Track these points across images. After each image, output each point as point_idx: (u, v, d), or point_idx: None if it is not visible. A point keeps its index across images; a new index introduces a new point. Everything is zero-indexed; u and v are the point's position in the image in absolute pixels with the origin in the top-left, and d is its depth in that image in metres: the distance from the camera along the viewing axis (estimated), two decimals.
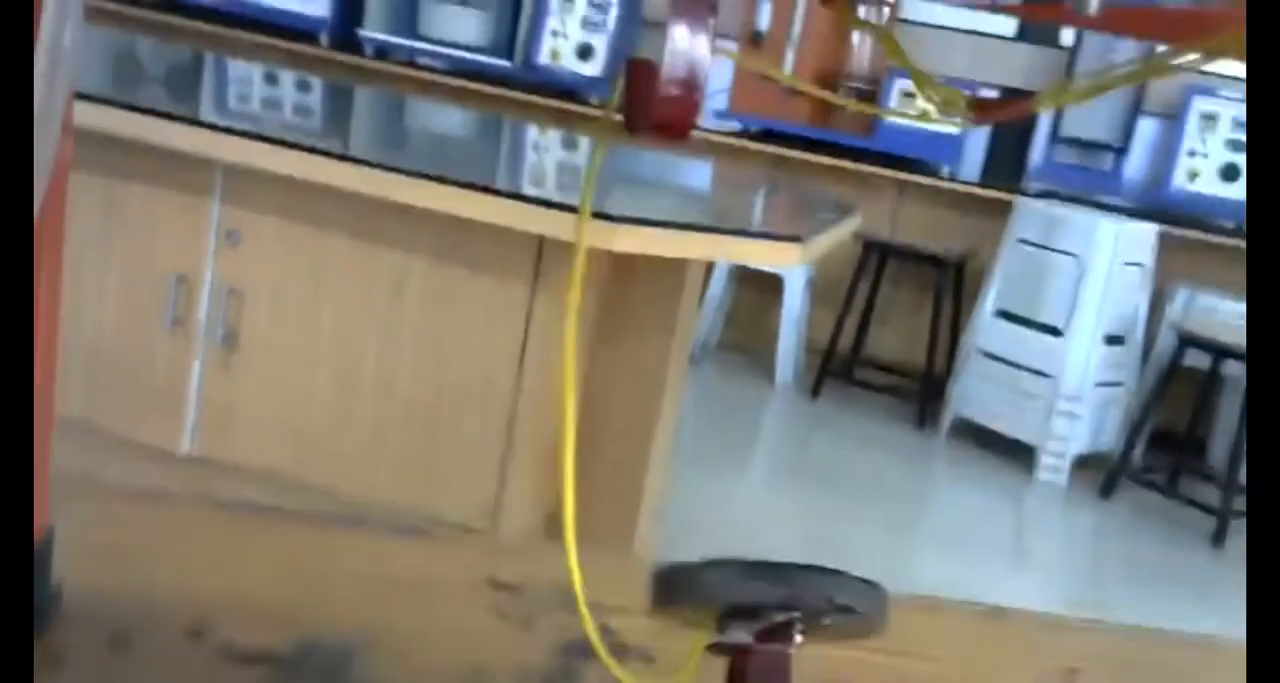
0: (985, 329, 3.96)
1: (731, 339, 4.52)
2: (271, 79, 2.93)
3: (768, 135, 4.32)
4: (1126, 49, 3.73)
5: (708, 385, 4.08)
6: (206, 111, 2.38)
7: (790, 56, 4.18)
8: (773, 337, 4.27)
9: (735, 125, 4.39)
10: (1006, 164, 4.54)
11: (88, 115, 1.90)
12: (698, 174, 2.85)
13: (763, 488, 3.51)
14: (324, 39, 4.63)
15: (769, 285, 4.27)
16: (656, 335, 2.12)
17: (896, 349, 4.37)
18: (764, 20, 4.19)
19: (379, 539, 0.94)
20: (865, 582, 0.52)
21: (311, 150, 1.89)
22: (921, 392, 4.14)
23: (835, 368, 4.23)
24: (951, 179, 4.32)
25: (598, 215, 1.70)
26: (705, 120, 4.30)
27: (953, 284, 4.21)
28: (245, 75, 2.97)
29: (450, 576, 0.89)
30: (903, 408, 4.16)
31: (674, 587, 0.51)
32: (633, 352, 2.12)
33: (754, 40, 4.21)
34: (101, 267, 2.13)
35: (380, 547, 0.92)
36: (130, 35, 3.49)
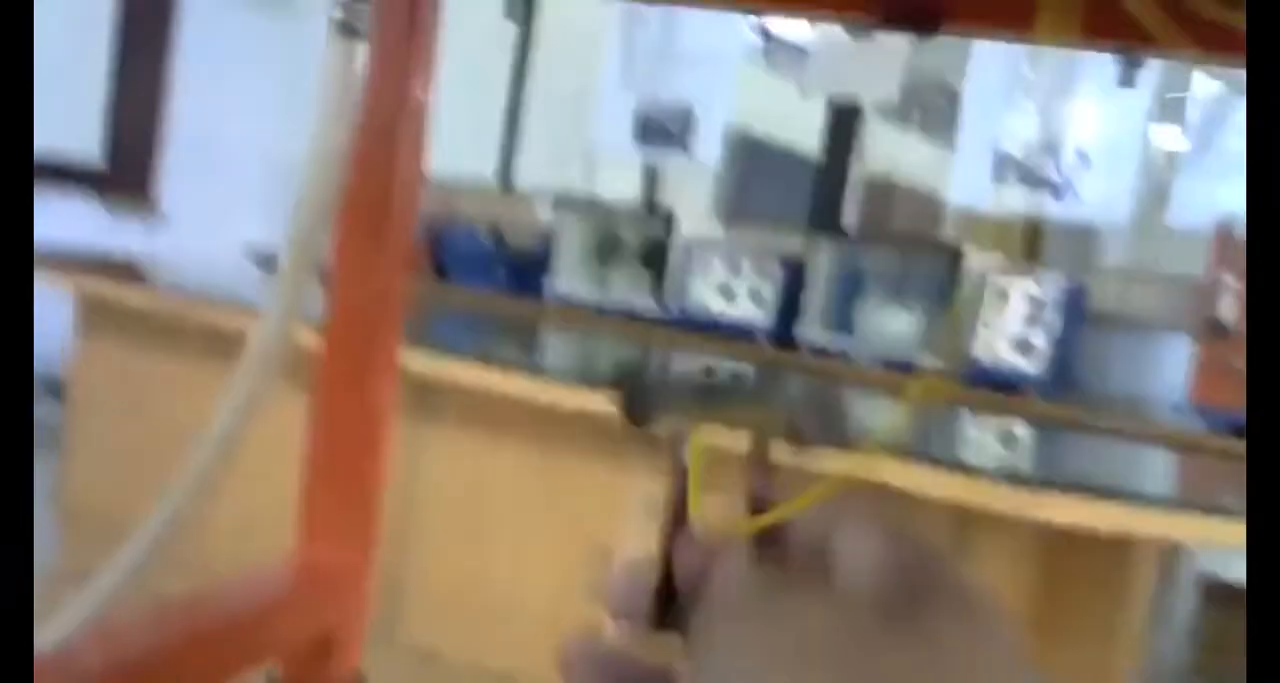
0: None
1: (1205, 665, 3.94)
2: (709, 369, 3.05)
3: (1239, 430, 3.91)
4: None
5: None
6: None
7: None
8: None
9: (1199, 422, 4.02)
10: None
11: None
12: (1155, 461, 2.58)
13: None
14: (761, 338, 4.84)
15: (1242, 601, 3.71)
16: (1092, 638, 1.86)
17: None
18: (1226, 308, 3.89)
19: None
20: None
21: None
22: None
23: None
24: None
25: (1020, 480, 1.55)
26: (1162, 414, 3.97)
27: None
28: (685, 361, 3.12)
29: None
30: None
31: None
32: (1065, 655, 1.87)
33: (1216, 330, 3.90)
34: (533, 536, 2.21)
35: None
36: (597, 339, 3.82)
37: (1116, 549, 1.81)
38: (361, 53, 0.43)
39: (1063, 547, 1.79)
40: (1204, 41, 0.41)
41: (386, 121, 0.51)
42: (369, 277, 0.51)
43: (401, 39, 0.48)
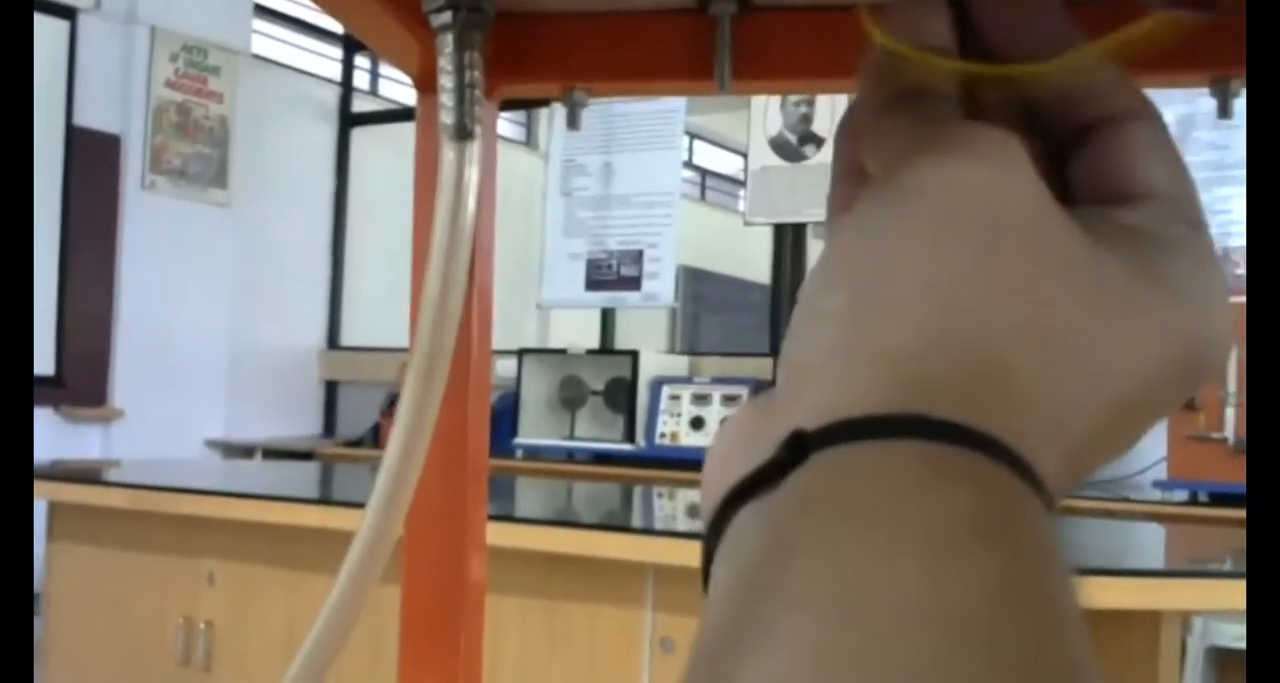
0: None
1: None
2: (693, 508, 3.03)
3: (1221, 499, 3.92)
4: None
5: None
6: (637, 523, 2.47)
7: (1230, 414, 3.86)
8: None
9: (1181, 494, 4.04)
10: None
11: (532, 539, 2.03)
12: (1149, 536, 2.58)
13: None
14: None
15: None
16: None
17: None
18: None
19: None
20: None
21: None
22: None
23: None
24: None
25: None
26: (1144, 492, 3.98)
27: None
28: (669, 499, 3.10)
29: None
30: None
31: None
32: None
33: (1186, 404, 3.95)
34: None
35: None
36: (567, 481, 3.79)
37: (1135, 624, 1.79)
38: (475, 157, 0.43)
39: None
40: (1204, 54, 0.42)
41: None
42: (453, 443, 0.50)
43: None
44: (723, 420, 0.31)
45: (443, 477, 0.51)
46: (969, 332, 0.24)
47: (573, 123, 0.51)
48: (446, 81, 0.42)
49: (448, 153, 0.42)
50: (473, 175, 0.42)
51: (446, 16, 0.41)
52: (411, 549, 0.52)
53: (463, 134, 0.42)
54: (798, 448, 0.22)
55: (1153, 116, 0.29)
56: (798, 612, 0.18)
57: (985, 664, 0.17)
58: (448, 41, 0.41)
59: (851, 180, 0.30)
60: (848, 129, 0.31)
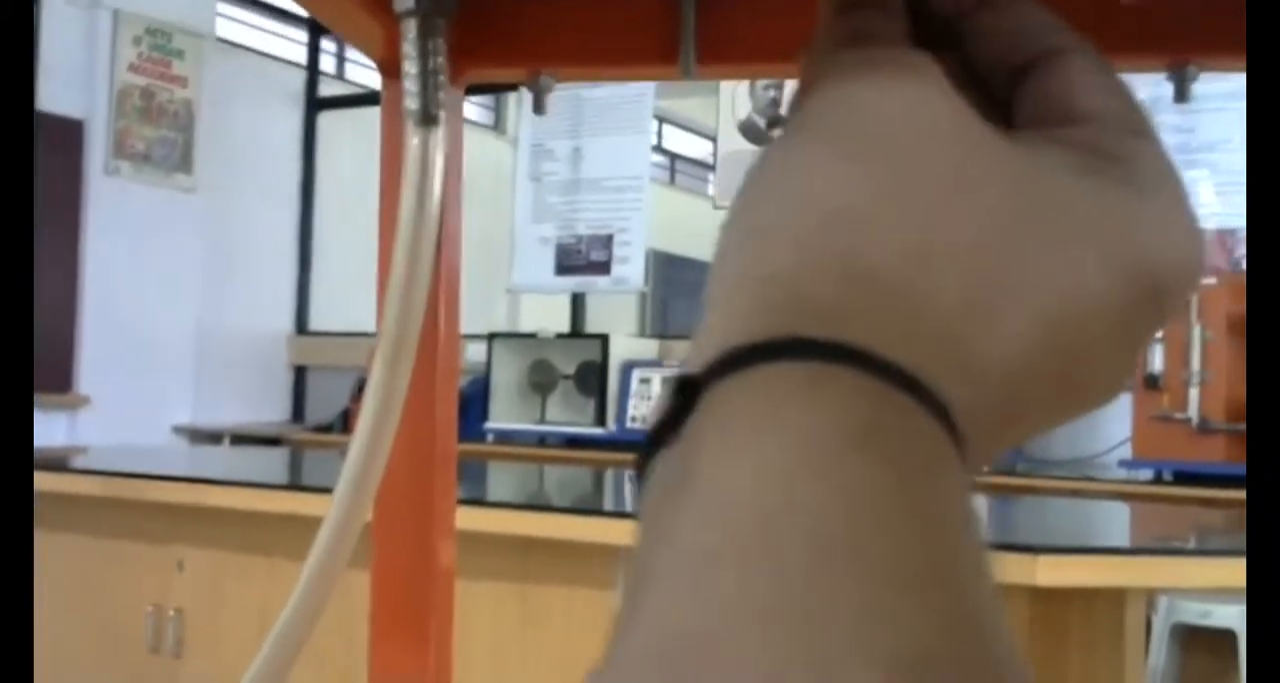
0: None
1: None
2: None
3: (1185, 478, 3.97)
4: None
5: None
6: (610, 507, 2.48)
7: (1194, 394, 3.90)
8: None
9: (1146, 473, 4.09)
10: None
11: (504, 523, 2.03)
12: (1114, 515, 2.61)
13: None
14: None
15: (1219, 647, 3.72)
16: None
17: None
18: (1156, 362, 3.99)
19: None
20: None
21: None
22: None
23: None
24: None
25: (1012, 548, 1.55)
26: (1109, 471, 4.03)
27: None
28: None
29: None
30: None
31: None
32: None
33: (1149, 384, 3.99)
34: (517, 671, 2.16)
35: None
36: (539, 465, 3.80)
37: (1101, 602, 1.82)
38: (440, 142, 0.43)
39: (1051, 607, 1.79)
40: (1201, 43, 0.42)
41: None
42: (421, 429, 0.50)
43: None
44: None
45: (411, 463, 0.51)
46: (856, 250, 0.23)
47: (539, 108, 0.51)
48: (410, 67, 0.41)
49: (412, 138, 0.42)
50: (437, 160, 0.42)
51: (410, 2, 0.41)
52: (381, 536, 0.52)
53: (427, 119, 0.42)
54: (687, 392, 0.21)
55: (1089, 50, 0.29)
56: (671, 553, 0.19)
57: (844, 570, 0.17)
58: (411, 27, 0.41)
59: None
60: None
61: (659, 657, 0.17)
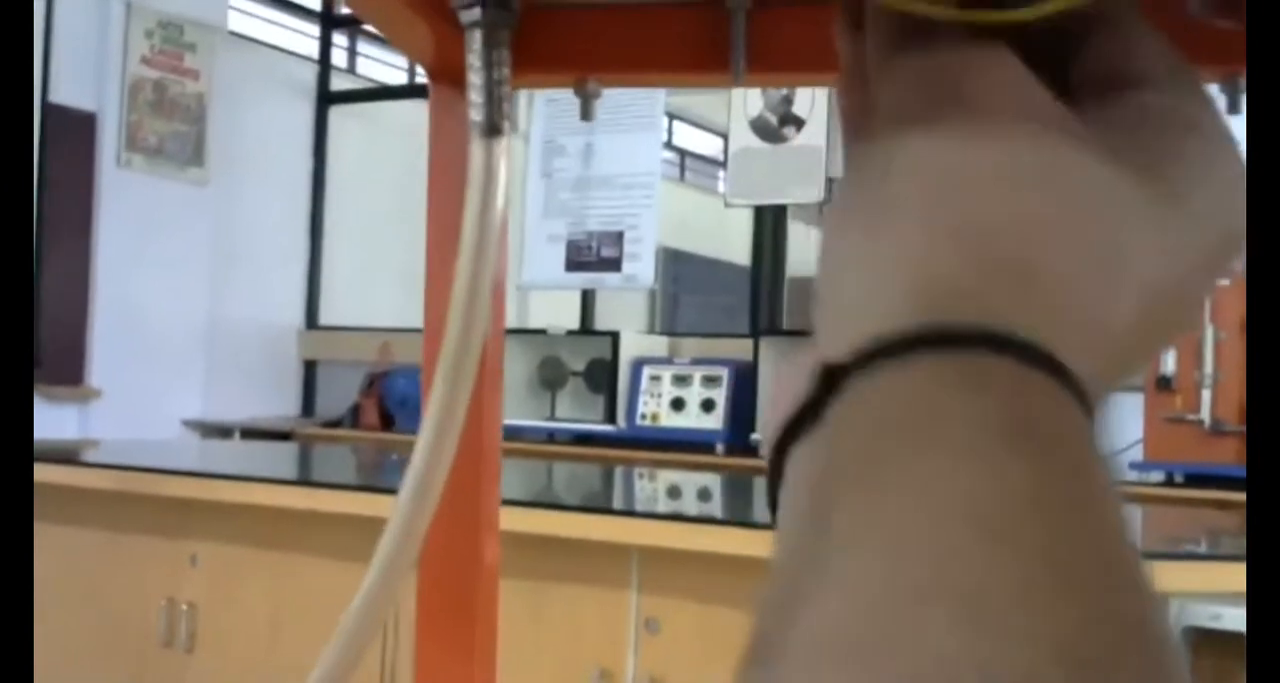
0: None
1: None
2: (674, 487, 3.04)
3: (1197, 480, 3.97)
4: None
5: None
6: (620, 505, 2.48)
7: (1207, 396, 3.90)
8: None
9: (1157, 475, 4.08)
10: None
11: (516, 520, 2.03)
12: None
13: None
14: (720, 449, 4.84)
15: (1230, 650, 3.72)
16: None
17: None
18: (1169, 364, 3.98)
19: None
20: None
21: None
22: None
23: None
24: None
25: None
26: (1120, 473, 4.02)
27: None
28: (649, 479, 3.11)
29: None
30: None
31: None
32: None
33: (1161, 386, 3.99)
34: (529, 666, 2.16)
35: None
36: (548, 462, 3.80)
37: None
38: (504, 152, 0.43)
39: None
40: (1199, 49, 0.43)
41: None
42: (467, 427, 0.50)
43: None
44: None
45: (457, 461, 0.52)
46: (991, 236, 0.23)
47: (586, 114, 0.52)
48: (475, 78, 0.42)
49: (477, 150, 0.42)
50: (501, 171, 0.43)
51: (475, 13, 0.41)
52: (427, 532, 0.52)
53: (493, 131, 0.42)
54: (829, 380, 0.22)
55: (1145, 23, 0.30)
56: (844, 552, 0.19)
57: (1011, 556, 0.18)
58: (476, 38, 0.41)
59: (859, 122, 0.31)
60: (852, 81, 0.31)
61: (844, 642, 0.17)
